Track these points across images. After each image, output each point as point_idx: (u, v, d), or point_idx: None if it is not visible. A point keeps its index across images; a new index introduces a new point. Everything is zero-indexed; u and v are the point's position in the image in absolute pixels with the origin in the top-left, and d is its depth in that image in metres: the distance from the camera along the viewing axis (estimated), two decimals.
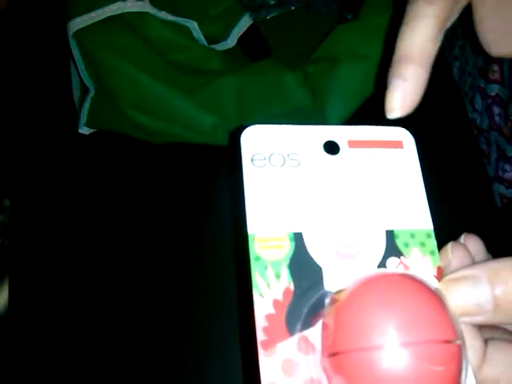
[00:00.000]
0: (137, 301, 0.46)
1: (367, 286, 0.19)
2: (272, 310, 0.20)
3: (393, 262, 0.22)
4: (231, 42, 0.56)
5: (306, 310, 0.20)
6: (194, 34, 0.53)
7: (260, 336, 0.19)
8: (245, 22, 0.57)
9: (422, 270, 0.22)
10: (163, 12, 0.50)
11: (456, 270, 0.20)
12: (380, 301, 0.18)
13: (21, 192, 0.52)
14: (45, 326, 0.46)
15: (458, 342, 0.18)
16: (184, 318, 0.45)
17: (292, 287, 0.21)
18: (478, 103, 0.51)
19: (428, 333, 0.18)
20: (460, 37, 0.54)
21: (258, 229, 0.21)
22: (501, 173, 0.48)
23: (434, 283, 0.21)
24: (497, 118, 0.48)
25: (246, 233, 0.21)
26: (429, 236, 0.23)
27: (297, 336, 0.20)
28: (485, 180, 0.50)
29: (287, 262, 0.21)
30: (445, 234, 0.24)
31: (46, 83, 0.56)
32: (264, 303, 0.20)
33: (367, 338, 0.18)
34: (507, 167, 0.47)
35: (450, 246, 0.22)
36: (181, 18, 0.52)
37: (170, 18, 0.51)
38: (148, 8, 0.49)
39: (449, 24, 0.26)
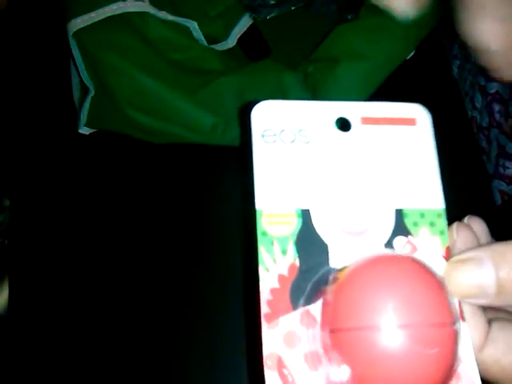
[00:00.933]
0: (137, 301, 0.46)
1: (368, 266, 0.19)
2: (277, 285, 0.20)
3: (400, 241, 0.22)
4: (231, 41, 0.56)
5: (310, 285, 0.20)
6: (194, 33, 0.53)
7: (264, 309, 0.20)
8: (245, 22, 0.57)
9: (429, 249, 0.22)
10: (163, 12, 0.50)
11: (461, 252, 0.21)
12: (380, 282, 0.18)
13: (21, 192, 0.52)
14: (45, 326, 0.46)
15: (455, 327, 0.18)
16: (189, 317, 0.45)
17: (297, 263, 0.21)
18: (478, 101, 0.51)
19: (425, 316, 0.18)
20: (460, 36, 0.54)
21: (265, 205, 0.21)
22: (501, 170, 0.48)
23: (441, 263, 0.21)
24: (497, 115, 0.48)
25: (254, 208, 0.21)
26: (439, 216, 0.22)
27: (300, 310, 0.20)
28: (484, 177, 0.50)
29: (294, 238, 0.21)
30: None
31: (46, 83, 0.56)
32: (269, 277, 0.20)
33: (365, 318, 0.18)
34: (508, 164, 0.47)
35: (455, 226, 0.22)
36: (181, 18, 0.52)
37: (170, 17, 0.51)
38: (148, 8, 0.49)
39: None
